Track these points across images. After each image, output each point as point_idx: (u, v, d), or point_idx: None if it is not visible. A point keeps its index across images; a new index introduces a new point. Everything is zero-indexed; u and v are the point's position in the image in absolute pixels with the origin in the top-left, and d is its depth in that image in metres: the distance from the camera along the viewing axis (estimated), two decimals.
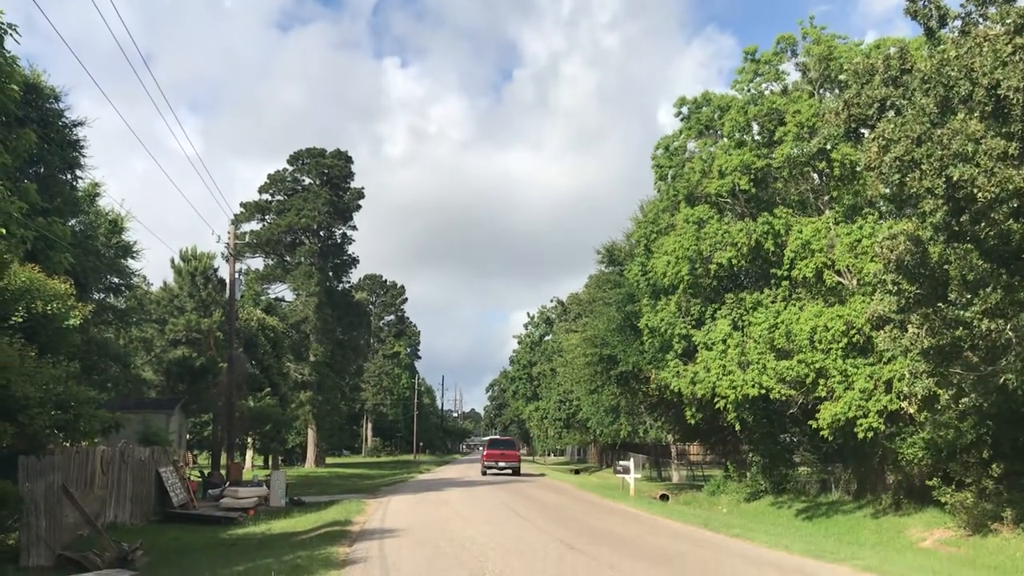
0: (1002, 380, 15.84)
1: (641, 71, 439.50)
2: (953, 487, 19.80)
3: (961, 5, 17.16)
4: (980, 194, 14.12)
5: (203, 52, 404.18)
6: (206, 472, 34.94)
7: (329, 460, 73.18)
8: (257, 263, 66.88)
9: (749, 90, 29.66)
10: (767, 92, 29.52)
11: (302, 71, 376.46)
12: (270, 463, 55.67)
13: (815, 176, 28.24)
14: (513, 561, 14.74)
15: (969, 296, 15.77)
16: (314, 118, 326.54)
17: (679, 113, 31.75)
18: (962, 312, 15.78)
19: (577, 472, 65.25)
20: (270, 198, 67.61)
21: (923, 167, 14.95)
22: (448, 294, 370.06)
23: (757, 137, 28.82)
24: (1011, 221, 14.90)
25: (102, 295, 28.55)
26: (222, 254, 37.63)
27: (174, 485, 25.39)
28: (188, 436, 41.40)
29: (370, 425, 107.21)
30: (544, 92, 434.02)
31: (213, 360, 37.62)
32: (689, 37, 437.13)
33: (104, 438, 19.50)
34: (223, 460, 34.83)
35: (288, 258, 66.17)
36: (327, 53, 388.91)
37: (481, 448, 68.53)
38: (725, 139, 29.42)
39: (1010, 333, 15.48)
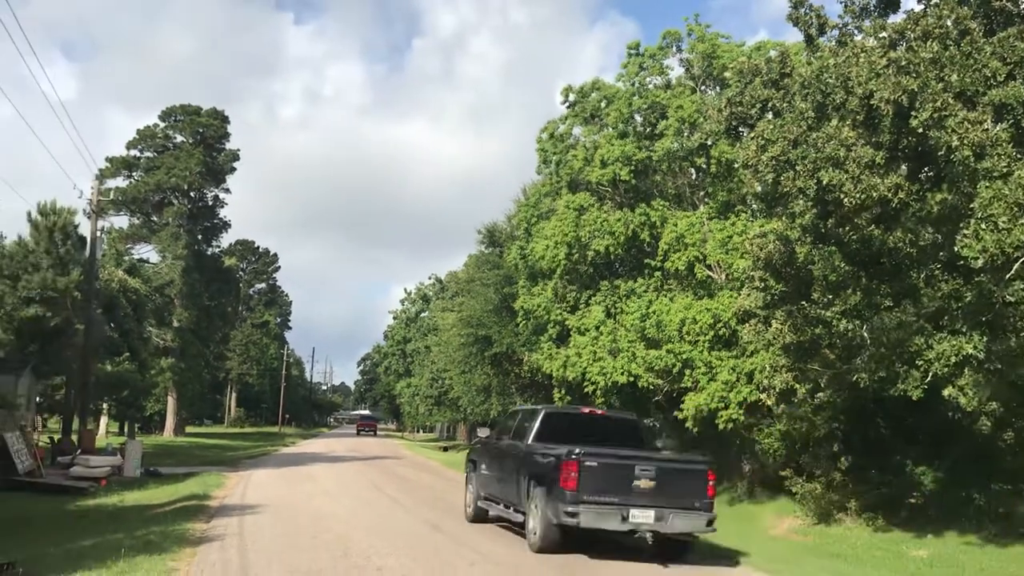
0: (855, 378, 16.64)
1: (546, 50, 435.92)
2: (804, 478, 20.76)
3: (839, 16, 17.87)
4: (846, 200, 14.73)
5: None
6: (56, 438, 33.15)
7: (190, 429, 70.66)
8: (122, 222, 63.44)
9: (634, 83, 30.02)
10: (651, 86, 29.97)
11: (192, 18, 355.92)
12: (126, 431, 53.39)
13: (693, 171, 28.96)
14: (376, 541, 14.56)
15: (830, 296, 16.48)
16: (204, 71, 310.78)
17: (566, 100, 31.91)
18: (823, 311, 16.47)
19: (445, 449, 65.33)
20: (139, 154, 64.32)
21: (797, 168, 15.48)
22: (330, 264, 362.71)
23: (640, 129, 29.26)
24: (873, 227, 15.65)
25: None
26: (84, 210, 35.56)
27: (19, 451, 23.94)
28: (39, 399, 39.15)
29: (234, 395, 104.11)
30: (448, 64, 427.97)
31: (69, 321, 35.59)
32: (593, 19, 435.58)
33: None
34: (75, 426, 33.14)
35: (155, 218, 63.08)
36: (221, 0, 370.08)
37: (355, 421, 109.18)
38: (610, 128, 29.76)
39: (865, 334, 16.26)
